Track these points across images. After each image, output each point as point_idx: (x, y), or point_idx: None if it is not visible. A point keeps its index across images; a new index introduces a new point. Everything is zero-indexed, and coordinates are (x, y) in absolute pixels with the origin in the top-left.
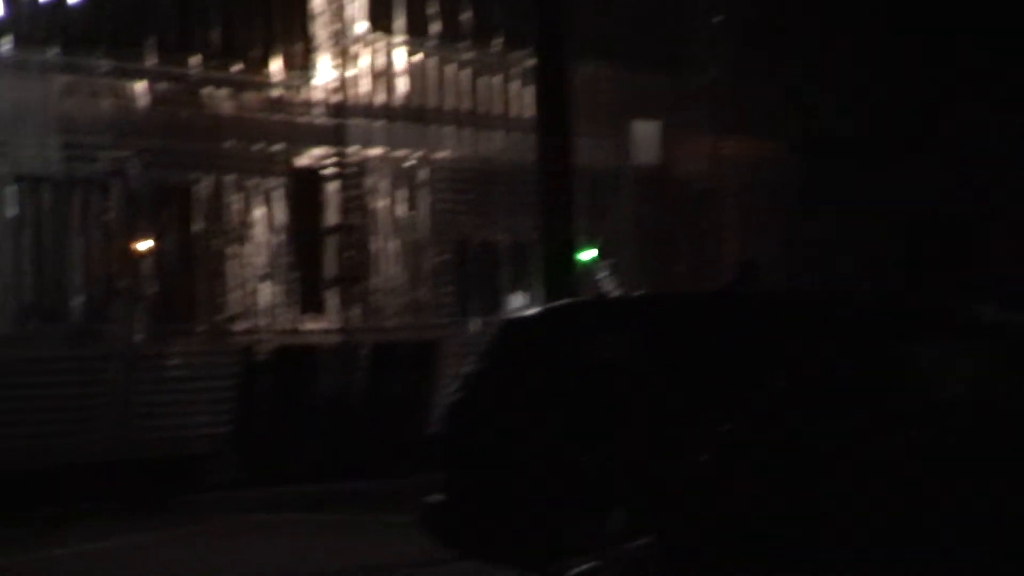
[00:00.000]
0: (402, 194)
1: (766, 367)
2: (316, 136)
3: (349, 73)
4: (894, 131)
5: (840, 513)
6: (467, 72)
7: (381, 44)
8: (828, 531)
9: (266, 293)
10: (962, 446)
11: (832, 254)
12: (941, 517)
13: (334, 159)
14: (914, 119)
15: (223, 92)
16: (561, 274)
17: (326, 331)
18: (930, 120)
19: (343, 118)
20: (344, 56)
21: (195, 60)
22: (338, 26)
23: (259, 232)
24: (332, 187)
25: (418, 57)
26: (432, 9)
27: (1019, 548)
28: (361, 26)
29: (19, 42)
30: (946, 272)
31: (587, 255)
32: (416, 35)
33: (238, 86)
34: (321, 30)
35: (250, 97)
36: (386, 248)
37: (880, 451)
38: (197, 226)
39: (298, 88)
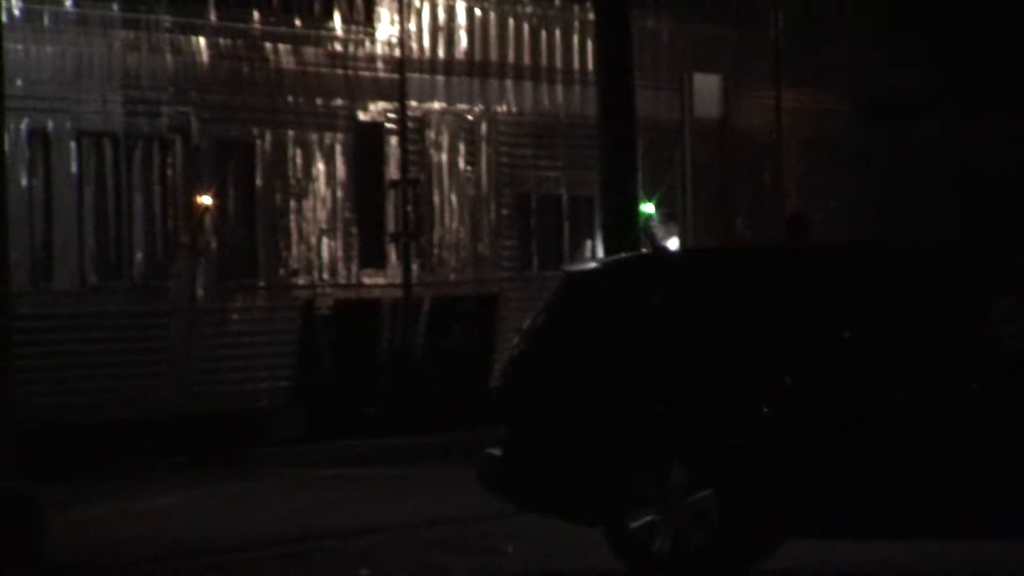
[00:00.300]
0: (463, 148)
1: (829, 320)
2: (377, 90)
3: (410, 27)
4: (960, 88)
5: (900, 469)
6: (528, 26)
7: None
8: (887, 488)
9: (327, 248)
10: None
11: (894, 209)
12: (1005, 473)
13: (395, 114)
14: (980, 76)
15: (284, 47)
16: (623, 227)
17: (387, 285)
18: (997, 77)
19: (404, 72)
20: (405, 10)
21: (256, 15)
22: None
23: (320, 187)
24: (393, 141)
25: (479, 11)
26: None
27: None
28: None
29: None
30: (1007, 227)
31: (649, 208)
32: None
33: (299, 40)
34: None
35: (311, 51)
36: (447, 202)
37: (945, 407)
38: (259, 181)
39: (359, 42)
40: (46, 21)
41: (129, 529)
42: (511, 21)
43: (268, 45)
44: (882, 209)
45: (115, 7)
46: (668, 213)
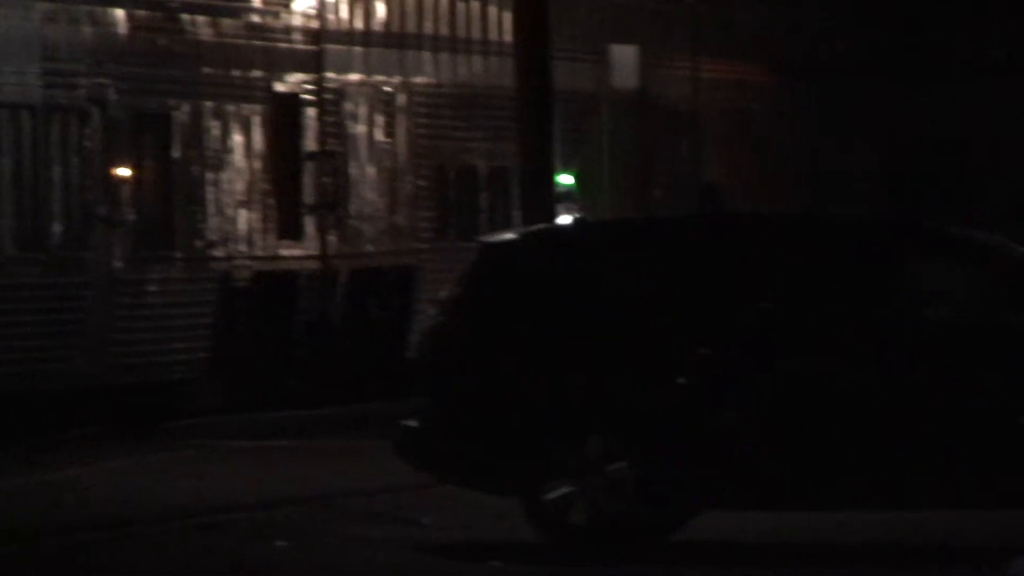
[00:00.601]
0: (381, 120)
1: (748, 290)
2: (295, 62)
3: None
4: (878, 54)
5: (816, 441)
6: None
7: None
8: (802, 459)
9: (245, 219)
10: (951, 367)
11: (817, 177)
12: (922, 444)
13: (313, 85)
14: (897, 42)
15: (202, 19)
16: (539, 198)
17: (305, 257)
18: (914, 43)
19: (322, 44)
20: None
21: None
22: None
23: (238, 158)
24: (311, 113)
25: None
26: None
27: (1003, 467)
28: None
29: None
30: (933, 194)
31: (565, 179)
32: None
33: (217, 12)
34: None
35: (229, 23)
36: (365, 174)
37: (864, 377)
38: (176, 153)
39: (277, 14)
40: None
41: (45, 500)
42: None
43: (186, 17)
44: (804, 178)
45: None
46: (568, 198)
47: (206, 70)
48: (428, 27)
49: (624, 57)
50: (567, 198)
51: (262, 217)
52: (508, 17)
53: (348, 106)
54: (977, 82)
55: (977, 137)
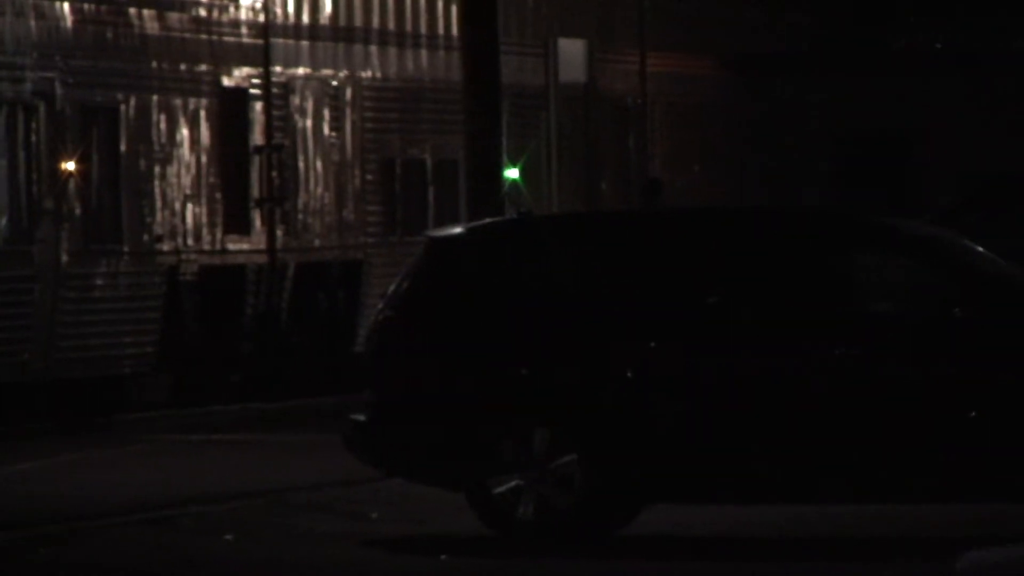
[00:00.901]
0: (328, 114)
1: (692, 283)
2: (242, 56)
3: None
4: (826, 48)
5: (762, 434)
6: None
7: None
8: (749, 453)
9: (192, 213)
10: (898, 360)
11: (764, 171)
12: (866, 434)
13: (260, 79)
14: (846, 36)
15: (148, 12)
16: (487, 192)
17: (252, 251)
18: (862, 37)
19: (269, 38)
20: None
21: None
22: None
23: (185, 152)
24: (258, 107)
25: None
26: None
27: (942, 460)
28: None
29: None
30: (877, 187)
31: (512, 173)
32: None
33: (164, 6)
34: None
35: (175, 17)
36: (312, 168)
37: (809, 370)
38: (123, 147)
39: (223, 7)
40: None
41: None
42: None
43: (132, 10)
44: (752, 172)
45: None
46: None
47: (153, 64)
48: (375, 21)
49: (571, 51)
50: (513, 192)
51: (209, 211)
52: (455, 11)
53: (295, 100)
54: (924, 75)
55: (924, 130)
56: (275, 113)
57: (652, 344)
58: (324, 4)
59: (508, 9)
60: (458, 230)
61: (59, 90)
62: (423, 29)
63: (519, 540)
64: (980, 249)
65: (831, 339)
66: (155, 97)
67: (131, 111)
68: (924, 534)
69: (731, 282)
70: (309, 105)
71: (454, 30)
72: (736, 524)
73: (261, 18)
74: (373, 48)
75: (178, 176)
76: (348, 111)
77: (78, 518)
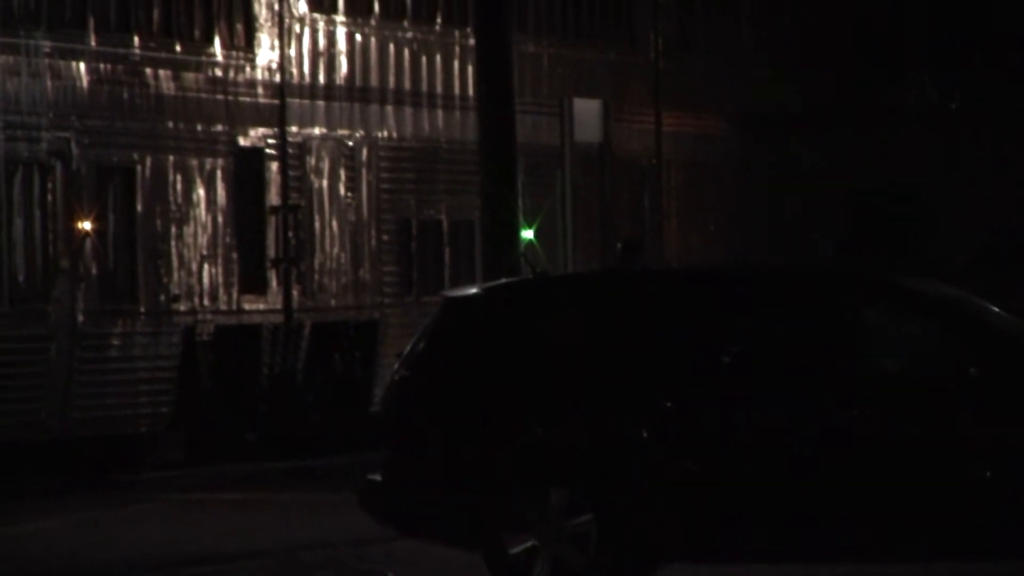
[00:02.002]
0: (344, 174)
1: (706, 342)
2: (258, 116)
3: (290, 52)
4: (838, 105)
5: (779, 493)
6: (408, 51)
7: (322, 23)
8: (766, 512)
9: (208, 273)
10: (903, 419)
11: (778, 229)
12: (886, 490)
13: (276, 139)
14: (858, 93)
15: (164, 72)
16: (503, 252)
17: (268, 311)
18: (873, 95)
19: (285, 98)
20: (285, 35)
21: (136, 40)
22: (280, 5)
23: (201, 212)
24: (274, 167)
25: (359, 36)
26: None
27: (957, 518)
28: (302, 5)
29: None
30: (888, 245)
31: (527, 233)
32: (357, 14)
33: (180, 66)
34: (263, 10)
35: (191, 77)
36: (328, 228)
37: (824, 429)
38: (139, 206)
39: (240, 68)
40: None
41: (5, 552)
42: (391, 46)
43: (148, 70)
44: (765, 230)
45: None
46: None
47: (169, 123)
48: (391, 81)
49: (587, 110)
50: (529, 252)
51: (225, 271)
52: (471, 71)
53: (311, 160)
54: (937, 132)
55: (938, 186)
56: (291, 173)
57: (668, 403)
58: (340, 64)
59: (523, 69)
60: (474, 290)
61: (75, 150)
62: (439, 89)
63: None
64: (994, 308)
65: (847, 398)
66: (171, 157)
67: (147, 171)
68: None
69: (746, 341)
70: (325, 165)
71: (470, 90)
72: None
73: (277, 78)
74: (389, 108)
75: (194, 236)
76: (364, 171)
77: None
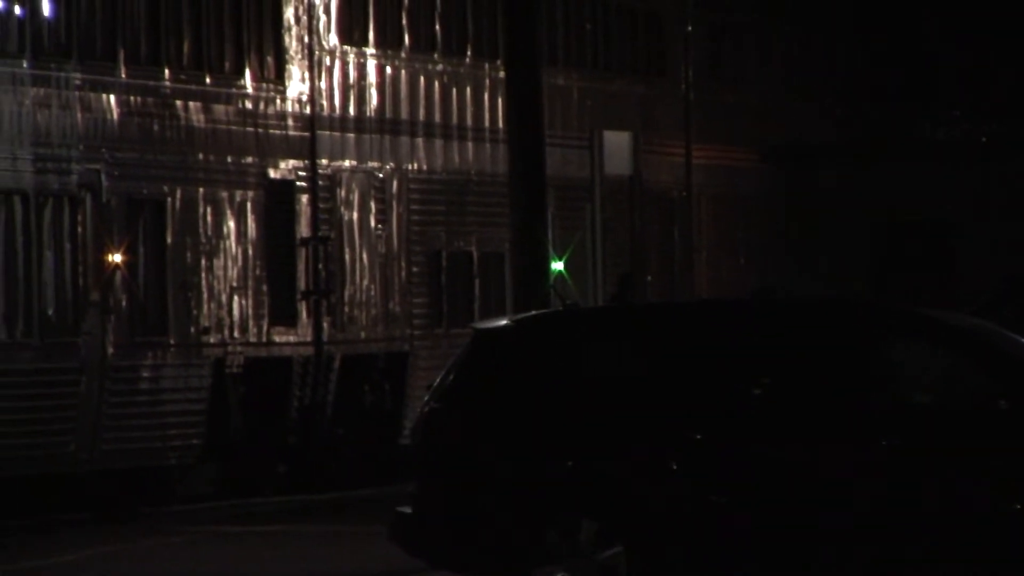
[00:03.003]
0: (374, 206)
1: (735, 375)
2: (288, 148)
3: (321, 85)
4: (870, 138)
5: (810, 525)
6: (439, 83)
7: (353, 56)
8: (796, 543)
9: (238, 305)
10: (932, 451)
11: (809, 259)
12: (912, 523)
13: (306, 171)
14: (889, 127)
15: (195, 104)
16: (533, 285)
17: (298, 343)
18: (905, 128)
19: (315, 130)
20: (316, 68)
21: (167, 72)
22: (310, 38)
23: (231, 244)
24: (304, 199)
25: (390, 68)
26: (404, 21)
27: (985, 551)
28: (333, 38)
29: None
30: (923, 276)
31: (557, 265)
32: (388, 47)
33: (210, 98)
34: (293, 42)
35: (222, 109)
36: (358, 260)
37: (854, 461)
38: (169, 239)
39: (270, 100)
40: None
41: None
42: (422, 79)
43: (179, 102)
44: (796, 262)
45: (25, 64)
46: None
47: (199, 156)
48: (421, 113)
49: (617, 143)
50: (559, 285)
51: (255, 303)
52: (501, 104)
53: (341, 192)
54: (967, 165)
55: (968, 219)
56: (321, 205)
57: (697, 435)
58: (370, 96)
59: (554, 102)
60: (504, 322)
61: (105, 182)
62: (469, 122)
63: None
64: (1022, 340)
65: (875, 431)
66: (201, 189)
67: (177, 203)
68: None
69: (775, 373)
70: (355, 197)
71: (500, 123)
72: None
73: (307, 110)
74: (419, 140)
75: (224, 268)
76: (394, 203)
77: None
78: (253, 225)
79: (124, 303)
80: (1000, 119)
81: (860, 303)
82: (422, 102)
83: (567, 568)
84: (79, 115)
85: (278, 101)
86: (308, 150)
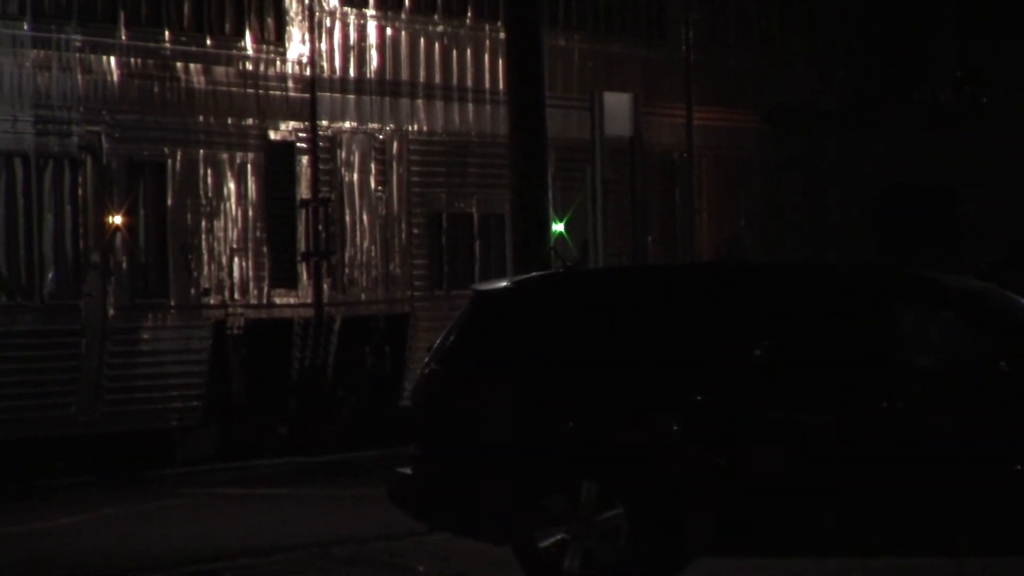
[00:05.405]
0: (374, 168)
1: (738, 338)
2: (288, 110)
3: (321, 46)
4: (871, 101)
5: (810, 486)
6: (439, 45)
7: (353, 17)
8: (797, 505)
9: (238, 267)
10: (944, 414)
11: (809, 224)
12: (912, 486)
13: (306, 133)
14: (891, 90)
15: (195, 66)
16: (533, 246)
17: (299, 305)
18: (906, 91)
19: (315, 92)
20: (316, 29)
21: (167, 34)
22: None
23: (231, 206)
24: (304, 161)
25: (390, 30)
26: None
27: (988, 512)
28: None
29: None
30: (922, 241)
31: (558, 227)
32: (388, 8)
33: (210, 60)
34: (293, 3)
35: (222, 71)
36: (358, 222)
37: (856, 424)
38: (170, 201)
39: (270, 62)
40: None
41: (38, 548)
42: (422, 40)
43: (179, 64)
44: (798, 225)
45: (25, 26)
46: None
47: (200, 118)
48: (421, 75)
49: (617, 104)
50: (559, 246)
51: (256, 265)
52: (501, 65)
53: (341, 154)
54: (970, 128)
55: (971, 183)
56: (321, 167)
57: (698, 397)
58: (371, 58)
59: (554, 63)
60: (504, 284)
61: (105, 144)
62: (469, 83)
63: None
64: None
65: (877, 392)
66: (202, 151)
67: (178, 165)
68: None
69: (777, 336)
70: (356, 159)
71: (501, 84)
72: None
73: (308, 72)
74: (420, 102)
75: (224, 230)
76: (395, 165)
77: (124, 572)
78: (253, 187)
79: (125, 265)
80: (1000, 82)
81: (868, 266)
82: (422, 63)
83: (567, 530)
84: (80, 77)
85: (278, 63)
86: (308, 112)
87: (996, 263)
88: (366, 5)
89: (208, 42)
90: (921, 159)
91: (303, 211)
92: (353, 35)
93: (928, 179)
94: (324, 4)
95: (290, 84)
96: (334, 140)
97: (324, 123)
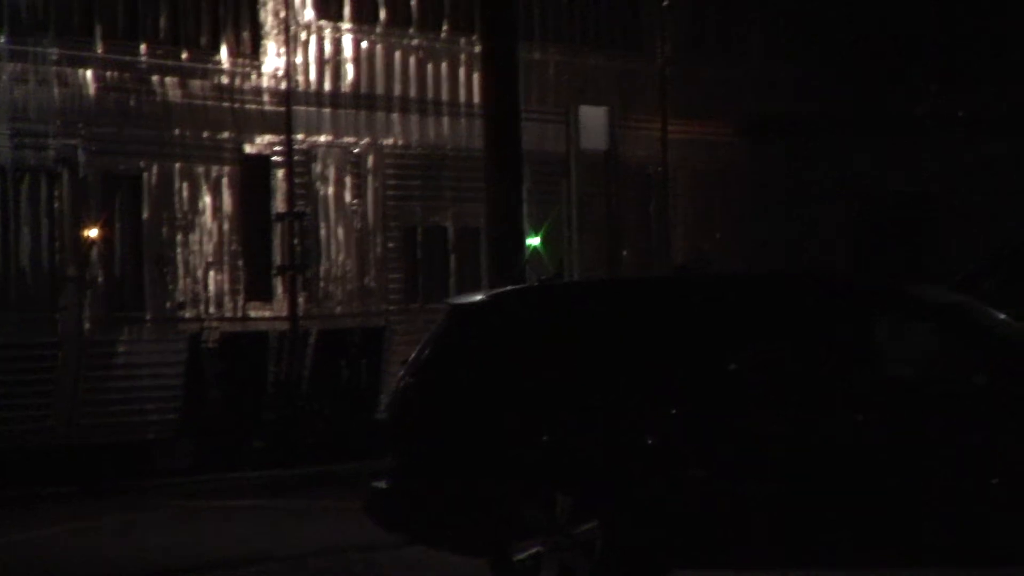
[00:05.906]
0: (350, 181)
1: (712, 351)
2: (264, 123)
3: (297, 60)
4: (848, 112)
5: (783, 499)
6: (415, 58)
7: (328, 31)
8: (770, 518)
9: (214, 280)
10: (908, 425)
11: (785, 234)
12: (887, 499)
13: (282, 146)
14: (868, 101)
15: (171, 79)
16: (509, 260)
17: (274, 318)
18: (879, 100)
19: (291, 105)
20: (292, 43)
21: (143, 47)
22: (286, 13)
23: (207, 220)
24: (280, 174)
25: (365, 43)
26: None
27: (964, 524)
28: (308, 12)
29: None
30: (900, 251)
31: (533, 241)
32: (363, 21)
33: (186, 73)
34: (269, 17)
35: (198, 84)
36: (334, 235)
37: (830, 435)
38: (146, 214)
39: (246, 75)
40: None
41: (12, 559)
42: (398, 54)
43: (155, 78)
44: (775, 236)
45: (2, 39)
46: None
47: (176, 131)
48: (397, 88)
49: (593, 118)
50: (534, 259)
51: (231, 278)
52: (477, 79)
53: (317, 167)
54: (946, 139)
55: (947, 194)
56: (297, 180)
57: (673, 410)
58: (346, 72)
59: (529, 76)
60: (479, 297)
61: (82, 157)
62: (445, 96)
63: None
64: (1000, 315)
65: (852, 405)
66: (178, 164)
67: (153, 178)
68: None
69: (752, 348)
70: (331, 172)
71: (476, 98)
72: None
73: (283, 85)
74: (395, 115)
75: (200, 243)
76: (370, 178)
77: None
78: (229, 200)
79: (101, 278)
80: (977, 92)
81: (838, 277)
82: (398, 77)
83: (542, 543)
84: (56, 90)
85: (254, 76)
86: (284, 125)
87: (969, 275)
88: (342, 19)
89: (184, 55)
90: (898, 169)
91: (278, 225)
92: (329, 48)
93: (906, 189)
94: (300, 18)
95: (266, 97)
96: (309, 153)
97: (299, 136)
